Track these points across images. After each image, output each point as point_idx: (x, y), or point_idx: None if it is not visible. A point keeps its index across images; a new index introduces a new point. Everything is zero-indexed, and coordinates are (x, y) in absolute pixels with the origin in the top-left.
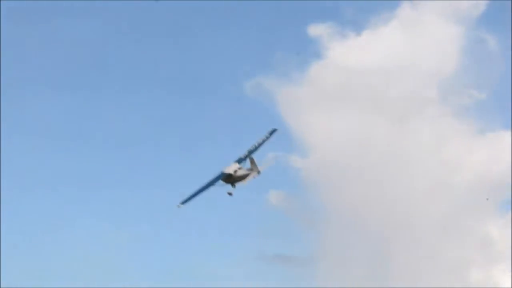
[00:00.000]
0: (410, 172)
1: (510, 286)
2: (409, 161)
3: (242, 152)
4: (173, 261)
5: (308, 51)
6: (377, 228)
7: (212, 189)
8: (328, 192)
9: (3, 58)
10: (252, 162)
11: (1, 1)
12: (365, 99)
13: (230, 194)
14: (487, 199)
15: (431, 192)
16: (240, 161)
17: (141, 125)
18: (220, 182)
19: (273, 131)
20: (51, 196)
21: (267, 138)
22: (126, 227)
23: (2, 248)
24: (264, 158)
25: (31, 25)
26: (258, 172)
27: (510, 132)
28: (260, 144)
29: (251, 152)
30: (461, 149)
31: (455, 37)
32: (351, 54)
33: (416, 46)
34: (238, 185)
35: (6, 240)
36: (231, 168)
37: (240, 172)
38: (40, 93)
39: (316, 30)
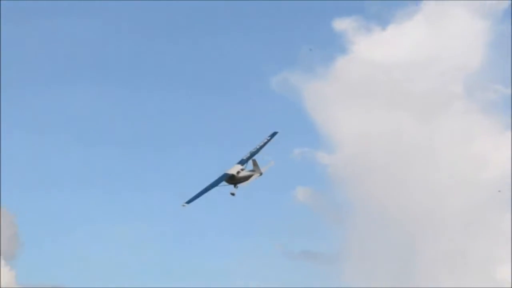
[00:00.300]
0: (436, 167)
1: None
2: (435, 156)
3: (244, 154)
4: (198, 259)
5: (333, 46)
6: (403, 224)
7: (215, 189)
8: (355, 188)
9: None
10: (255, 164)
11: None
12: (391, 94)
13: (233, 194)
14: (499, 191)
15: (457, 188)
16: (242, 162)
17: (165, 122)
18: (223, 183)
19: (273, 134)
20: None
21: (268, 140)
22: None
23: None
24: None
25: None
26: (260, 174)
27: None
28: (261, 147)
29: (253, 154)
30: (488, 145)
31: (481, 32)
32: (376, 48)
33: (441, 41)
34: (242, 185)
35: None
36: (234, 169)
37: (243, 173)
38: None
39: (341, 24)
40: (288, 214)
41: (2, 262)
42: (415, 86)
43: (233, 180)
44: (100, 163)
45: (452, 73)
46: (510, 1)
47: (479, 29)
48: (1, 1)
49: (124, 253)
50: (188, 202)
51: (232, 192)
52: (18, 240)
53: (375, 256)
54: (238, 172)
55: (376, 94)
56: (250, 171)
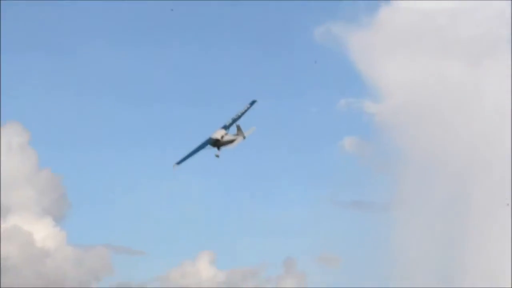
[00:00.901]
0: (483, 112)
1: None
2: (482, 101)
3: (227, 120)
4: (250, 211)
5: None
6: (455, 172)
7: (202, 151)
8: (404, 136)
9: None
10: (239, 128)
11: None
12: (436, 41)
13: (217, 156)
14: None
15: (506, 130)
16: (225, 127)
17: (214, 75)
18: (209, 146)
19: (253, 102)
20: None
21: (248, 108)
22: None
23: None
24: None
25: None
26: (244, 138)
27: None
28: (242, 113)
29: (234, 120)
30: None
31: None
32: None
33: None
34: (227, 148)
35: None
36: (218, 133)
37: (227, 138)
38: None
39: None
40: (336, 164)
41: (53, 223)
42: (460, 32)
43: (217, 143)
44: (145, 122)
45: (497, 17)
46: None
47: None
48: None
49: (173, 210)
50: (178, 163)
51: (217, 154)
52: (67, 201)
53: (426, 206)
54: (222, 137)
55: (421, 41)
56: (234, 135)
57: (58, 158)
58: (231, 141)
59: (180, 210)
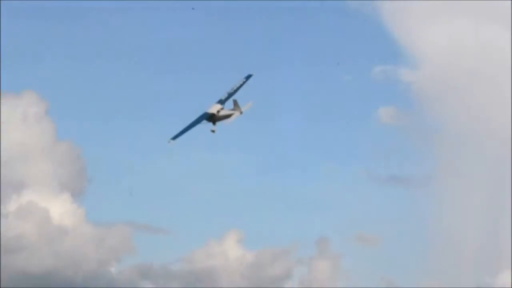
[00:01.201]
0: None
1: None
2: None
3: (222, 94)
4: (280, 187)
5: None
6: (498, 144)
7: (198, 126)
8: (444, 106)
9: None
10: (235, 103)
11: None
12: (477, 3)
13: (213, 131)
14: None
15: None
16: (221, 102)
17: (241, 36)
18: (204, 121)
19: (248, 76)
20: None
21: (244, 82)
22: None
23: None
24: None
25: None
26: (241, 113)
27: None
28: (238, 88)
29: (230, 94)
30: None
31: None
32: None
33: None
34: (224, 122)
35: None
36: (214, 108)
37: (223, 112)
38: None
39: None
40: (371, 137)
41: (71, 199)
42: None
43: (213, 118)
44: (174, 91)
45: None
46: None
47: None
48: None
49: (199, 186)
50: (173, 138)
51: (212, 129)
52: (86, 175)
53: (467, 181)
54: (218, 111)
55: (460, 3)
56: (231, 110)
57: (77, 130)
58: (227, 116)
59: (207, 186)
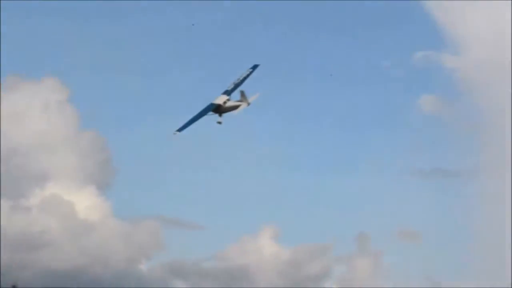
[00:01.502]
0: None
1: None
2: None
3: (228, 85)
4: (318, 182)
5: None
6: None
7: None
8: (490, 95)
9: None
10: (242, 94)
11: None
12: None
13: (219, 123)
14: None
15: None
16: (227, 93)
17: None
18: (211, 112)
19: (255, 66)
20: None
21: (251, 73)
22: None
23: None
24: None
25: None
26: (248, 104)
27: None
28: (244, 78)
29: (237, 85)
30: None
31: None
32: None
33: None
34: (232, 114)
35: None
36: (220, 99)
37: (229, 103)
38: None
39: None
40: (413, 127)
41: (97, 192)
42: None
43: (219, 109)
44: (202, 82)
45: None
46: None
47: None
48: None
49: (233, 179)
50: (179, 130)
51: (219, 121)
52: (112, 167)
53: None
54: (224, 102)
55: None
56: (238, 101)
57: (102, 118)
58: (234, 107)
59: (241, 180)
